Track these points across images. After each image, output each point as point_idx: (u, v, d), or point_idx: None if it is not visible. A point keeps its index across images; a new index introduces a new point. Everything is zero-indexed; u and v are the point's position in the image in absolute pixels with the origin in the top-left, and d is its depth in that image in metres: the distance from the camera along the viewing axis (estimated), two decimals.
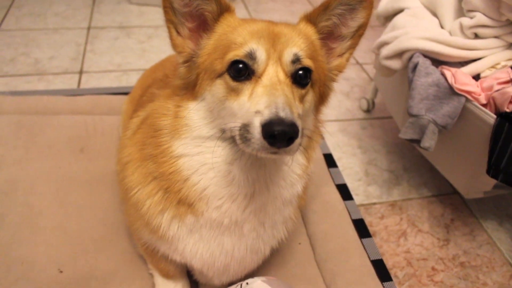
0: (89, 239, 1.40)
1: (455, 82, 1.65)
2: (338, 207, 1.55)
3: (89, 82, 2.70)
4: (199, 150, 0.99)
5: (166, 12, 0.98)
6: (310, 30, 1.05)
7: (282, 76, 0.92)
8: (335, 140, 2.46)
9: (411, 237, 2.02)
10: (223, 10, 1.01)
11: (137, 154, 1.10)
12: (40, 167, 1.59)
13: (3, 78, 2.67)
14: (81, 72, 2.81)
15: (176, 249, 1.10)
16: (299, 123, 0.83)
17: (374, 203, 2.15)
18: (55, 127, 1.76)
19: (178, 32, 1.01)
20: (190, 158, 1.00)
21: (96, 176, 1.60)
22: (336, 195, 1.61)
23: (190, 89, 1.01)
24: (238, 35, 0.96)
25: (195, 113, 1.00)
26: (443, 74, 1.71)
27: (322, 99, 1.08)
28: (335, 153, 2.37)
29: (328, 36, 1.08)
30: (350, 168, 2.32)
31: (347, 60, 1.10)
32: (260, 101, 0.86)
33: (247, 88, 0.92)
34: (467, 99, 1.66)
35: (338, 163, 2.04)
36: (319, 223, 1.50)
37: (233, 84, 0.93)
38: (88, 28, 3.36)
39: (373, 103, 2.71)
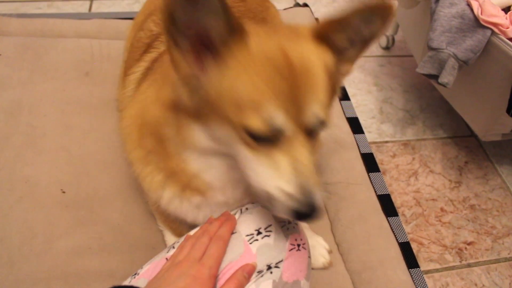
0: (92, 162, 1.40)
1: (481, 13, 1.54)
2: (347, 140, 1.50)
3: (100, 9, 2.62)
4: (208, 157, 0.96)
5: (165, 27, 0.77)
6: (325, 54, 0.88)
7: (302, 139, 0.83)
8: (351, 76, 2.37)
9: (422, 177, 1.98)
10: (235, 32, 0.80)
11: (137, 142, 1.07)
12: (45, 89, 1.56)
13: (12, 3, 2.61)
14: None
15: (186, 217, 1.11)
16: (321, 201, 0.83)
17: (387, 142, 2.10)
18: (60, 50, 1.71)
19: (177, 46, 0.81)
20: (198, 161, 0.97)
21: (102, 100, 1.57)
22: (346, 128, 1.56)
23: (195, 112, 0.88)
24: (254, 87, 0.79)
25: (200, 137, 0.90)
26: (469, 5, 1.59)
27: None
28: (349, 89, 2.30)
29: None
30: (364, 105, 2.25)
31: (354, 64, 0.96)
32: (286, 178, 0.81)
33: (267, 149, 0.83)
34: (493, 32, 1.56)
35: (352, 99, 1.97)
36: (325, 156, 1.46)
37: (251, 141, 0.82)
38: None
39: (393, 39, 2.58)
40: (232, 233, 1.00)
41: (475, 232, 1.83)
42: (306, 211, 0.80)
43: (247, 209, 1.04)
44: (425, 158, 2.07)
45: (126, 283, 1.02)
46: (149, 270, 1.01)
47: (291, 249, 0.99)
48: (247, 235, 0.98)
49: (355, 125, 1.61)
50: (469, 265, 1.72)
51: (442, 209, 1.88)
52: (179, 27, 0.76)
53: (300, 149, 0.82)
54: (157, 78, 1.08)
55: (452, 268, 1.70)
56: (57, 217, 1.25)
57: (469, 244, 1.79)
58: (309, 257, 1.04)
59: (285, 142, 0.82)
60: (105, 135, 1.48)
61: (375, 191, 1.38)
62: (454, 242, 1.78)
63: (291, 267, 0.97)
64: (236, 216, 1.04)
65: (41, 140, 1.42)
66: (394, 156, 2.04)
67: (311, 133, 0.84)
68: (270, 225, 1.00)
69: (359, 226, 1.29)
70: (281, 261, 0.96)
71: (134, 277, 1.02)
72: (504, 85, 1.58)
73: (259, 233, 0.98)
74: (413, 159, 2.05)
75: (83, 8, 2.62)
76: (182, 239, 1.04)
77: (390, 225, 1.31)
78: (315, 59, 0.84)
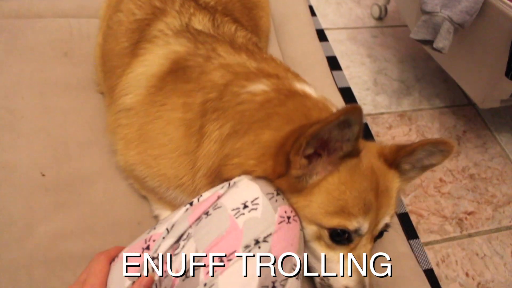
0: (74, 143, 1.33)
1: None
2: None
3: None
4: None
5: (300, 142, 0.89)
6: (396, 179, 1.05)
7: (369, 241, 0.98)
8: (343, 48, 2.30)
9: None
10: (354, 154, 0.93)
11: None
12: (21, 71, 1.49)
13: None
14: None
15: None
16: None
17: (382, 113, 2.03)
18: (37, 30, 1.63)
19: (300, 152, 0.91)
20: None
21: (82, 81, 1.50)
22: (338, 98, 1.49)
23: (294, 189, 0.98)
24: (354, 202, 0.93)
25: None
26: None
27: None
28: (342, 61, 2.23)
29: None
30: (358, 77, 2.18)
31: (409, 184, 1.12)
32: (351, 276, 0.95)
33: (339, 249, 0.96)
34: None
35: (345, 72, 1.91)
36: None
37: (328, 241, 0.96)
38: None
39: (386, 9, 2.50)
40: (216, 208, 0.94)
41: (475, 201, 1.78)
42: None
43: (234, 183, 0.99)
44: (422, 128, 2.01)
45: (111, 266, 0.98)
46: (128, 254, 0.97)
47: (281, 222, 0.93)
48: (233, 209, 0.92)
49: (348, 96, 1.55)
50: (469, 235, 1.67)
51: (441, 180, 1.83)
52: (315, 140, 0.88)
53: (365, 250, 0.97)
54: (243, 132, 1.05)
55: (453, 238, 1.65)
56: (37, 201, 1.19)
57: (469, 214, 1.74)
58: (301, 229, 0.99)
59: (356, 243, 0.96)
60: (86, 116, 1.41)
61: None
62: (454, 213, 1.73)
63: (281, 241, 0.91)
64: (223, 191, 0.98)
65: (19, 123, 1.35)
66: (390, 127, 1.98)
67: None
68: (256, 198, 0.94)
69: None
70: (270, 235, 0.90)
71: (115, 260, 0.97)
72: (502, 47, 1.51)
73: (245, 206, 0.93)
74: (410, 130, 1.99)
75: None
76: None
77: None
78: (392, 181, 1.01)
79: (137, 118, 1.18)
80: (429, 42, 1.62)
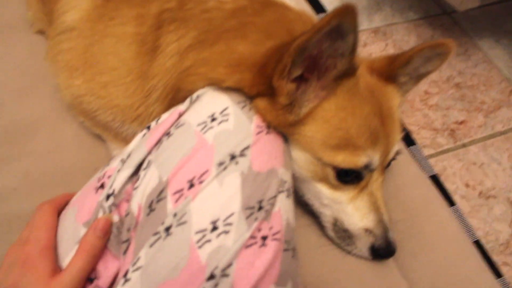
0: (6, 92, 1.12)
1: None
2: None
3: None
4: None
5: (287, 55, 0.71)
6: (396, 95, 0.92)
7: (381, 174, 0.87)
8: None
9: None
10: (351, 72, 0.77)
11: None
12: None
13: None
14: None
15: None
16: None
17: None
18: None
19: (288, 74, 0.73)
20: None
21: (9, 21, 1.27)
22: (308, 10, 1.31)
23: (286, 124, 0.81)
24: (359, 131, 0.78)
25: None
26: None
27: None
28: None
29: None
30: None
31: (405, 96, 1.01)
32: (367, 216, 0.85)
33: (348, 189, 0.84)
34: None
35: None
36: None
37: (335, 182, 0.82)
38: None
39: None
40: (179, 126, 0.76)
41: (465, 110, 1.66)
42: (384, 246, 0.84)
43: (197, 96, 0.81)
44: (399, 42, 1.86)
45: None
46: (79, 197, 0.79)
47: (259, 132, 0.76)
48: (199, 124, 0.75)
49: (317, 8, 1.37)
50: (464, 145, 1.56)
51: (426, 92, 1.69)
52: (303, 58, 0.72)
53: (377, 185, 0.86)
54: (210, 41, 0.85)
55: (447, 151, 1.53)
56: None
57: (460, 123, 1.62)
58: (285, 141, 0.83)
59: (368, 180, 0.84)
60: (17, 61, 1.20)
61: None
62: (445, 124, 1.61)
63: (262, 154, 0.74)
64: (184, 107, 0.80)
65: None
66: (365, 45, 1.82)
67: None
68: (226, 108, 0.77)
69: None
70: (248, 147, 0.73)
71: (65, 208, 0.79)
72: None
73: (213, 119, 0.75)
74: (387, 45, 1.84)
75: None
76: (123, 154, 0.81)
77: None
78: (393, 98, 0.89)
79: (81, 39, 0.97)
80: None
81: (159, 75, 0.89)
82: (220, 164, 0.70)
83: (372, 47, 1.81)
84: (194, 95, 0.81)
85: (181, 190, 0.68)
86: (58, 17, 1.02)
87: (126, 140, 1.01)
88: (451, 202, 1.25)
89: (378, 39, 1.85)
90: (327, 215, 0.87)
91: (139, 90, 0.93)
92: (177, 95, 0.87)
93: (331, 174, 0.81)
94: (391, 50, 1.81)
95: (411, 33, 1.90)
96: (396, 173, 0.97)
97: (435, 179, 1.22)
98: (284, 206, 0.73)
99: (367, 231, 0.84)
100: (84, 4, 0.99)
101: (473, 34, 1.94)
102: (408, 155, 1.02)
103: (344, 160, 0.78)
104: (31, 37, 1.25)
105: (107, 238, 0.70)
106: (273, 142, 0.78)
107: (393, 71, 0.90)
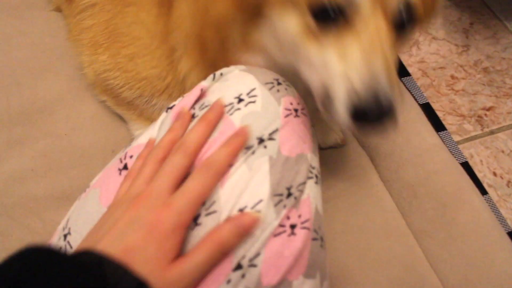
0: (23, 71, 1.10)
1: None
2: None
3: None
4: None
5: None
6: None
7: (382, 23, 0.65)
8: None
9: (424, 46, 1.71)
10: None
11: (197, 55, 0.85)
12: None
13: None
14: None
15: None
16: (398, 102, 0.63)
17: None
18: None
19: None
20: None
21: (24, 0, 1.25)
22: None
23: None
24: None
25: (263, 38, 0.75)
26: None
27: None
28: None
29: None
30: None
31: None
32: (354, 67, 0.64)
33: (334, 35, 0.65)
34: None
35: None
36: None
37: (315, 28, 0.66)
38: None
39: None
40: (204, 107, 0.72)
41: (493, 96, 1.60)
42: (370, 110, 0.62)
43: (221, 74, 0.77)
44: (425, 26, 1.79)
45: (77, 202, 0.76)
46: (101, 179, 0.75)
47: (287, 115, 0.72)
48: (225, 106, 0.71)
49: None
50: (492, 132, 1.50)
51: (452, 77, 1.63)
52: None
53: (379, 36, 0.64)
54: None
55: (474, 137, 1.48)
56: None
57: (488, 109, 1.56)
58: (313, 125, 0.78)
59: (359, 25, 0.64)
60: (34, 39, 1.17)
61: None
62: (472, 110, 1.54)
63: (291, 138, 0.70)
64: (207, 84, 0.76)
65: None
66: None
67: (398, 26, 0.66)
68: (253, 89, 0.72)
69: None
70: (276, 130, 0.68)
71: (85, 192, 0.76)
72: None
73: (240, 100, 0.71)
74: None
75: None
76: (149, 131, 0.76)
77: (404, 85, 1.05)
78: None
79: (103, 14, 0.93)
80: None
81: (178, 27, 0.84)
82: (248, 148, 0.66)
83: None
84: (218, 73, 0.77)
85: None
86: None
87: (151, 119, 0.97)
88: (482, 191, 1.20)
89: None
90: (315, 80, 0.71)
91: (164, 56, 0.89)
92: (202, 41, 0.81)
93: (310, 19, 0.67)
94: (416, 34, 1.74)
95: (437, 16, 1.83)
96: (427, 159, 0.93)
97: (465, 167, 1.16)
98: (313, 193, 0.69)
99: (348, 85, 0.65)
100: None
101: (503, 16, 1.86)
102: (439, 140, 0.97)
103: None
104: (48, 15, 1.22)
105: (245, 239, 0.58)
106: (302, 125, 0.74)
107: None
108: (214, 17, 0.76)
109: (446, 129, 1.00)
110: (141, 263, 0.50)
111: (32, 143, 0.99)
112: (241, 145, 0.64)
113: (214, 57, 0.80)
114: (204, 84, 0.75)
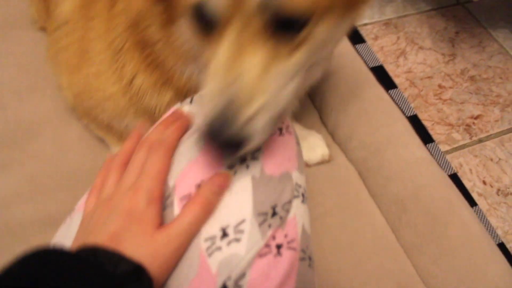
0: (7, 92, 1.09)
1: None
2: None
3: None
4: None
5: None
6: None
7: (249, 28, 0.56)
8: None
9: (411, 55, 1.72)
10: None
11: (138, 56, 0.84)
12: None
13: None
14: None
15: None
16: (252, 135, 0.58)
17: (365, 24, 1.81)
18: None
19: None
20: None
21: (8, 18, 1.24)
22: None
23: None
24: None
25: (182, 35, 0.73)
26: None
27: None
28: None
29: None
30: None
31: None
32: (208, 85, 0.59)
33: (215, 40, 0.59)
34: None
35: None
36: None
37: (198, 29, 0.62)
38: None
39: None
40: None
41: (481, 104, 1.61)
42: (212, 136, 0.57)
43: (200, 96, 0.76)
44: (411, 35, 1.80)
45: (62, 225, 0.76)
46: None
47: (271, 134, 0.72)
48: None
49: None
50: (480, 140, 1.50)
51: (440, 86, 1.64)
52: None
53: (235, 47, 0.57)
54: None
55: (463, 146, 1.48)
56: None
57: (476, 118, 1.56)
58: (298, 143, 0.78)
59: (225, 31, 0.57)
60: (19, 58, 1.16)
61: (366, 63, 1.11)
62: (460, 119, 1.55)
63: (275, 156, 0.69)
64: (185, 110, 0.75)
65: None
66: (376, 38, 1.76)
67: (282, 25, 0.56)
68: None
69: (353, 105, 1.02)
70: (259, 149, 0.68)
71: (70, 215, 0.75)
72: None
73: None
74: (398, 38, 1.78)
75: None
76: None
77: (391, 98, 1.05)
78: None
79: (76, 32, 0.92)
80: None
81: (117, 31, 0.82)
82: (229, 167, 0.65)
83: (383, 40, 1.75)
84: (195, 96, 0.76)
85: (189, 195, 0.63)
86: (54, 9, 0.97)
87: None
88: (472, 202, 1.19)
89: (389, 31, 1.79)
90: None
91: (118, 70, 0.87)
92: (143, 45, 0.79)
93: (196, 26, 0.63)
94: (403, 43, 1.75)
95: (423, 25, 1.84)
96: (416, 173, 0.92)
97: (455, 178, 1.16)
98: (299, 212, 0.68)
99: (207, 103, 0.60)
100: None
101: (488, 25, 1.87)
102: (427, 153, 0.97)
103: None
104: (33, 34, 1.22)
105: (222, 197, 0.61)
106: (286, 143, 0.73)
107: None
108: (135, 14, 0.76)
109: (434, 141, 1.00)
110: (129, 241, 0.54)
111: (18, 166, 0.97)
112: (186, 124, 0.67)
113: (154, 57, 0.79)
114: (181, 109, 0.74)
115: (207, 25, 0.59)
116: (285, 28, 0.57)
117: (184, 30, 0.70)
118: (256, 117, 0.58)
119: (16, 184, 0.95)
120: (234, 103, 0.56)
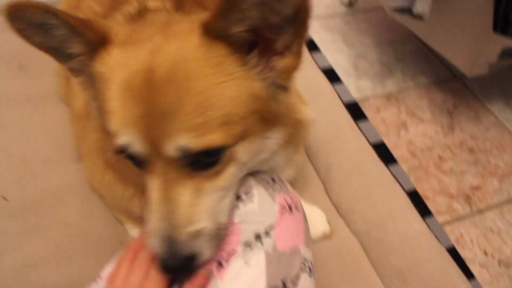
0: (37, 161, 1.18)
1: None
2: (325, 91, 1.32)
3: None
4: None
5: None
6: (216, 53, 0.64)
7: (171, 173, 0.67)
8: (317, 37, 2.19)
9: (412, 127, 1.83)
10: (98, 43, 0.69)
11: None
12: None
13: None
14: None
15: None
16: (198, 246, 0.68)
17: (368, 97, 1.93)
18: None
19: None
20: None
21: (41, 94, 1.35)
22: (321, 79, 1.38)
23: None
24: (111, 115, 0.66)
25: None
26: None
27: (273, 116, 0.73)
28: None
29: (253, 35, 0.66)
30: (337, 65, 2.07)
31: (299, 54, 0.68)
32: (151, 217, 0.68)
33: (147, 173, 0.70)
34: None
35: None
36: None
37: (132, 162, 0.71)
38: None
39: None
40: None
41: (479, 175, 1.68)
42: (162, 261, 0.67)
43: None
44: (411, 107, 1.91)
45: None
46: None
47: (282, 213, 0.80)
48: None
49: (331, 76, 1.43)
50: (480, 211, 1.57)
51: (440, 157, 1.72)
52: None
53: (166, 180, 0.67)
54: None
55: (463, 217, 1.54)
56: (0, 229, 1.03)
57: (475, 188, 1.64)
58: (306, 220, 0.86)
59: (153, 173, 0.68)
60: (49, 130, 1.26)
61: (368, 140, 1.21)
62: (460, 189, 1.62)
63: (286, 233, 0.78)
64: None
65: None
66: (378, 111, 1.87)
67: (200, 161, 0.66)
68: (251, 188, 0.81)
69: (356, 180, 1.11)
70: (272, 227, 0.76)
71: (95, 280, 0.82)
72: (485, 4, 1.43)
73: (239, 199, 0.79)
74: (399, 110, 1.89)
75: None
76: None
77: (392, 174, 1.13)
78: (194, 67, 0.63)
79: (88, 124, 1.04)
80: (408, 11, 1.54)
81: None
82: (246, 243, 0.73)
83: (385, 113, 1.86)
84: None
85: (210, 270, 0.71)
86: (73, 101, 1.10)
87: (141, 221, 1.04)
88: (469, 274, 1.24)
89: (390, 104, 1.90)
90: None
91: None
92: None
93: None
94: (404, 116, 1.86)
95: (423, 98, 1.95)
96: (415, 246, 0.99)
97: (453, 250, 1.22)
98: (306, 285, 0.75)
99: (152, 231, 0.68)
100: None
101: (484, 98, 1.99)
102: (426, 227, 1.04)
103: (113, 139, 0.68)
104: (62, 109, 1.32)
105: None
106: (295, 221, 0.81)
107: (215, 23, 0.65)
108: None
109: (432, 214, 1.08)
110: None
111: (44, 231, 1.04)
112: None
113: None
114: None
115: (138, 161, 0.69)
116: (204, 162, 0.67)
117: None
118: (200, 234, 0.68)
119: (42, 249, 1.02)
120: (175, 229, 0.67)
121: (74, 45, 0.70)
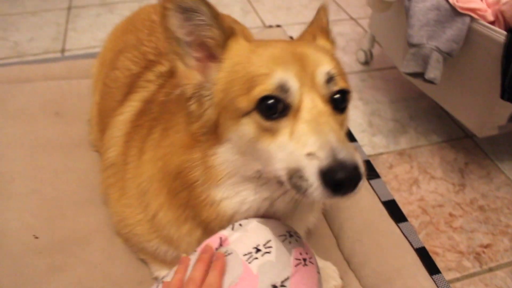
0: (67, 203, 1.27)
1: (457, 1, 1.49)
2: None
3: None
4: (238, 190, 0.89)
5: (169, 43, 0.86)
6: (329, 46, 1.02)
7: (321, 105, 0.80)
8: None
9: (423, 184, 1.87)
10: (228, 36, 0.87)
11: (163, 197, 1.01)
12: (11, 133, 1.45)
13: None
14: (63, 51, 2.65)
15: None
16: (360, 162, 0.72)
17: (381, 153, 2.00)
18: (28, 93, 1.62)
19: (185, 64, 0.88)
20: (230, 200, 0.90)
21: (75, 139, 1.47)
22: None
23: (212, 132, 0.87)
24: (259, 64, 0.81)
25: (226, 158, 0.87)
26: None
27: None
28: None
29: None
30: (353, 120, 2.16)
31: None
32: (309, 141, 0.74)
33: (284, 126, 0.79)
34: (472, 19, 1.50)
35: None
36: None
37: (267, 124, 0.79)
38: (69, 8, 3.20)
39: (371, 53, 2.54)
40: (227, 254, 0.87)
41: (490, 233, 1.71)
42: (334, 166, 0.69)
43: (240, 225, 0.92)
44: (423, 164, 1.97)
45: None
46: None
47: (297, 264, 0.86)
48: (245, 255, 0.85)
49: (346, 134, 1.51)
50: (490, 269, 1.59)
51: (450, 214, 1.76)
52: (180, 42, 0.85)
53: (318, 111, 0.78)
54: (167, 127, 1.01)
55: (473, 274, 1.56)
56: (29, 265, 1.11)
57: (486, 247, 1.66)
58: (318, 272, 0.92)
59: (303, 110, 0.78)
60: (79, 174, 1.36)
61: (379, 198, 1.27)
62: (470, 247, 1.65)
63: (300, 285, 0.84)
64: (227, 233, 0.91)
65: (10, 185, 1.30)
66: (391, 167, 1.93)
67: (335, 106, 0.83)
68: (269, 241, 0.88)
69: (367, 236, 1.17)
70: (287, 278, 0.83)
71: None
72: (493, 71, 1.51)
73: (258, 250, 0.86)
74: (411, 167, 1.95)
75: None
76: (171, 272, 0.91)
77: (401, 231, 1.18)
78: (317, 47, 0.92)
79: (119, 174, 1.14)
80: (420, 75, 1.63)
81: (143, 172, 1.04)
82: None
83: (397, 169, 1.92)
84: (237, 224, 0.92)
85: None
86: (104, 152, 1.20)
87: (166, 262, 1.10)
88: None
89: (403, 161, 1.97)
90: (281, 169, 0.78)
91: (139, 201, 1.07)
92: (170, 187, 0.98)
93: (259, 118, 0.79)
94: (416, 172, 1.92)
95: (435, 156, 2.01)
96: None
97: None
98: None
99: (310, 155, 0.73)
100: (119, 140, 1.16)
101: (495, 157, 2.04)
102: (433, 284, 1.08)
103: (258, 91, 0.79)
104: (92, 155, 1.43)
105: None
106: (309, 273, 0.87)
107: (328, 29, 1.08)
108: (174, 168, 0.95)
109: (440, 272, 1.12)
110: None
111: (70, 270, 1.12)
112: (224, 265, 0.84)
113: (186, 198, 0.95)
114: (224, 233, 0.90)
115: (273, 115, 0.79)
116: (338, 107, 0.84)
117: (225, 150, 0.87)
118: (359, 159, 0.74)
119: (67, 286, 1.09)
120: (342, 144, 0.73)
121: (212, 30, 0.85)
